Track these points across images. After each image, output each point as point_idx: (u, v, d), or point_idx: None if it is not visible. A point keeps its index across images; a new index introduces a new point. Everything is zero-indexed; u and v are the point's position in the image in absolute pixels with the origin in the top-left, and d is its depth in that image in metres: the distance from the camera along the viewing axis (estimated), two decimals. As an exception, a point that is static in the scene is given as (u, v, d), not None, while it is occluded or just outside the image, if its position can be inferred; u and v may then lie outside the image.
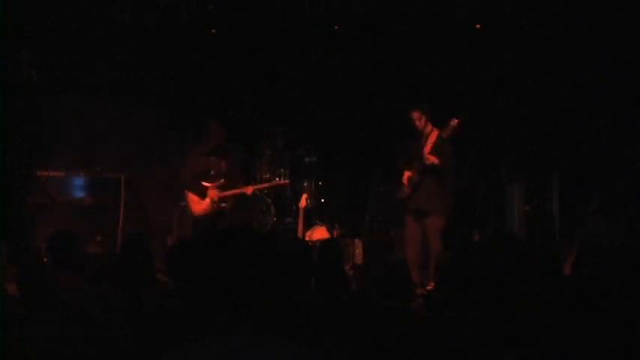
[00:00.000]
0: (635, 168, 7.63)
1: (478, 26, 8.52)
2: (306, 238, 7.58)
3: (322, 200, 8.74)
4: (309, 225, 7.89)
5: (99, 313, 3.41)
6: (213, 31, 9.10)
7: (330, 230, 7.95)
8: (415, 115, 7.01)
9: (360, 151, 9.11)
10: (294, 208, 8.31)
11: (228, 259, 2.08)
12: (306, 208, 7.84)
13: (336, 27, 8.96)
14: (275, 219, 8.32)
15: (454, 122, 6.70)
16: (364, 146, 9.07)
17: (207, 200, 7.32)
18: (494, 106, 8.64)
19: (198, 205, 7.35)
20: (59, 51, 8.68)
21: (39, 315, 3.45)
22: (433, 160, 6.81)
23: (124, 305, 3.58)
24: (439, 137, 6.89)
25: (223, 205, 7.40)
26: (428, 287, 6.15)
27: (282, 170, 8.64)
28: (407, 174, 7.04)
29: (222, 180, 7.35)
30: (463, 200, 8.58)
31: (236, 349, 1.95)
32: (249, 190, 7.44)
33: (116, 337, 3.20)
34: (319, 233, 7.72)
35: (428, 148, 6.92)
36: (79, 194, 8.49)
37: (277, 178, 8.58)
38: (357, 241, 7.99)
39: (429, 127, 7.05)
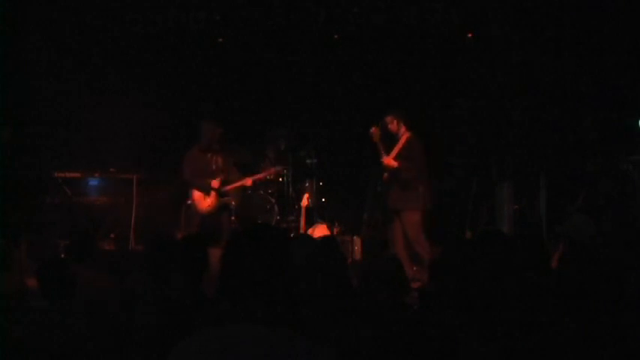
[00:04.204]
0: (620, 168, 7.65)
1: (470, 35, 8.54)
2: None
3: (323, 199, 8.77)
4: (310, 223, 7.93)
5: (117, 306, 3.44)
6: (221, 40, 9.12)
7: (330, 228, 7.97)
8: (388, 119, 7.11)
9: (360, 152, 9.13)
10: (296, 206, 8.33)
11: (255, 253, 2.08)
12: (307, 207, 7.88)
13: (335, 36, 8.98)
14: (278, 217, 8.35)
15: (375, 130, 6.95)
16: (364, 146, 9.09)
17: (212, 196, 7.35)
18: (484, 108, 8.66)
19: (204, 202, 7.37)
20: (73, 54, 8.70)
21: (59, 307, 3.48)
22: (392, 164, 6.91)
23: (150, 298, 3.59)
24: (408, 140, 7.05)
25: (227, 198, 7.43)
26: (420, 282, 6.20)
27: (284, 171, 8.66)
28: (384, 176, 7.14)
29: (222, 175, 7.39)
30: (455, 199, 8.63)
31: (248, 339, 1.96)
32: (248, 181, 7.45)
33: (135, 329, 3.23)
34: (320, 231, 7.74)
35: (394, 152, 7.00)
36: (94, 194, 8.52)
37: (280, 178, 8.62)
38: (355, 238, 8.02)
39: (402, 130, 7.12)
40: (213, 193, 7.35)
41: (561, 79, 8.20)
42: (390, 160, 6.96)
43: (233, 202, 7.80)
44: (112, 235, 8.24)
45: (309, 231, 7.72)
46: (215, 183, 7.33)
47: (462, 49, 8.68)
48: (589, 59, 8.03)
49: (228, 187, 7.40)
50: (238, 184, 7.44)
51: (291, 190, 8.61)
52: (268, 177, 8.37)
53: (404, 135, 7.08)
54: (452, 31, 8.44)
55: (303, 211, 7.83)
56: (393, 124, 7.12)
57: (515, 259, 3.25)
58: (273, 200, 8.40)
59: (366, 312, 3.23)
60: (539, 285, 3.43)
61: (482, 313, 2.92)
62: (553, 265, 4.04)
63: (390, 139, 7.27)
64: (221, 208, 7.40)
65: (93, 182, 8.54)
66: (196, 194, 7.42)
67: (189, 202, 7.63)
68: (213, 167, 7.37)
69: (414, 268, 6.85)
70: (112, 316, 3.40)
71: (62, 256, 5.46)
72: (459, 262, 3.19)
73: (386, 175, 7.13)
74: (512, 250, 3.17)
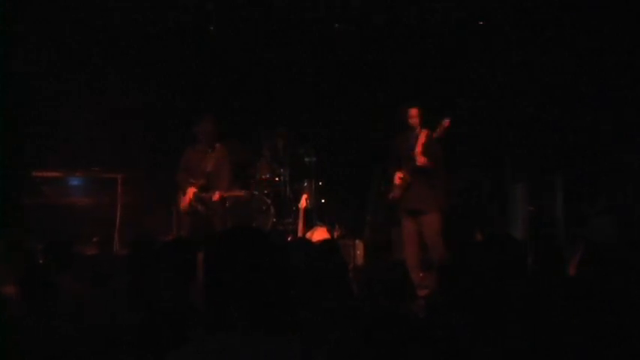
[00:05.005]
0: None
1: (481, 23, 8.58)
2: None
3: (322, 200, 8.78)
4: (309, 226, 7.93)
5: (100, 315, 3.46)
6: (212, 28, 9.15)
7: (330, 231, 7.98)
8: (414, 111, 7.04)
9: (361, 151, 9.15)
10: (293, 208, 8.35)
11: (242, 258, 2.11)
12: (306, 209, 7.88)
13: (336, 25, 9.01)
14: (275, 219, 8.36)
15: (446, 123, 6.75)
16: (364, 145, 9.12)
17: (187, 198, 7.39)
18: (497, 104, 8.69)
19: (182, 202, 7.44)
20: (55, 48, 8.72)
21: (40, 316, 3.50)
22: (424, 161, 6.88)
23: (134, 306, 3.61)
24: (429, 137, 6.96)
25: (200, 207, 7.44)
26: (428, 289, 6.20)
27: (281, 170, 8.68)
28: (398, 174, 7.08)
29: (203, 180, 7.40)
30: (466, 200, 8.64)
31: (239, 347, 1.99)
32: (215, 196, 7.39)
33: (117, 339, 3.24)
34: (319, 234, 7.74)
35: (419, 148, 6.97)
36: (76, 195, 8.52)
37: (277, 178, 8.65)
38: (357, 241, 8.02)
39: (419, 126, 7.11)
40: (188, 195, 7.38)
41: (581, 74, 8.23)
42: (423, 158, 6.91)
43: (227, 204, 7.81)
44: (95, 239, 8.24)
45: (308, 234, 7.73)
46: (190, 192, 7.38)
47: (464, 47, 8.73)
48: (609, 55, 8.06)
49: (203, 195, 7.41)
50: (209, 195, 7.41)
51: (288, 190, 8.62)
52: (257, 178, 8.44)
53: (423, 131, 7.06)
54: (462, 21, 8.47)
55: (301, 213, 7.84)
56: (416, 118, 7.04)
57: (527, 265, 3.27)
58: (269, 201, 8.42)
59: (367, 320, 3.24)
60: (554, 292, 3.45)
61: (489, 323, 2.93)
62: (571, 271, 4.06)
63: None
64: (193, 213, 7.42)
65: (74, 182, 8.54)
66: (179, 193, 7.49)
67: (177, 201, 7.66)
68: (200, 169, 7.40)
69: (421, 274, 6.85)
70: (95, 323, 3.42)
71: (40, 262, 5.45)
72: (467, 268, 3.21)
73: (405, 173, 7.08)
74: (521, 254, 3.19)
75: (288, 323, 2.12)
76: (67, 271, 4.48)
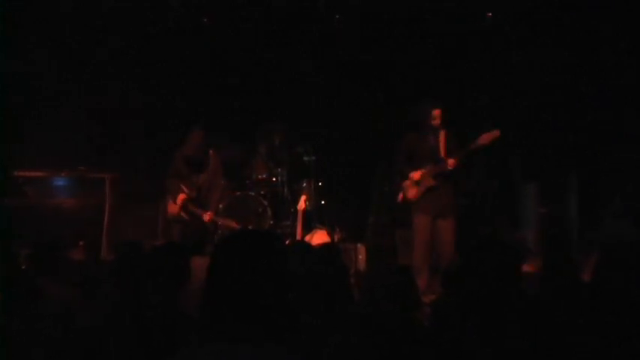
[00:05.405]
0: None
1: (489, 14, 8.59)
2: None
3: (322, 202, 8.77)
4: (308, 229, 7.92)
5: (87, 324, 3.45)
6: (205, 20, 9.14)
7: (330, 234, 7.97)
8: (437, 112, 7.03)
9: (362, 149, 9.14)
10: (292, 210, 8.34)
11: (246, 263, 2.11)
12: (304, 211, 7.87)
13: (337, 16, 9.02)
14: (272, 222, 8.34)
15: (496, 133, 6.74)
16: (366, 144, 9.11)
17: (178, 203, 7.41)
18: (505, 97, 8.69)
19: (172, 207, 7.44)
20: (40, 43, 8.73)
21: (24, 324, 3.49)
22: (456, 164, 6.88)
23: (122, 314, 3.61)
24: (449, 138, 6.98)
25: (188, 218, 7.45)
26: (435, 294, 6.19)
27: (278, 170, 8.67)
28: (415, 174, 7.05)
29: (194, 193, 7.45)
30: (472, 202, 8.62)
31: (232, 357, 1.97)
32: (206, 217, 7.44)
33: (105, 346, 3.24)
34: (319, 237, 7.74)
35: (443, 150, 6.97)
36: (61, 196, 8.51)
37: (274, 178, 8.63)
38: (359, 245, 8.02)
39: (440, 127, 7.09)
40: (179, 200, 7.39)
41: (595, 66, 8.23)
42: (455, 161, 6.86)
43: (220, 206, 7.80)
44: (81, 243, 8.22)
45: (307, 238, 7.73)
46: (179, 199, 7.38)
47: (481, 35, 8.76)
48: (629, 48, 8.07)
49: (191, 208, 7.43)
50: (198, 211, 7.45)
51: (286, 191, 8.61)
52: (253, 178, 8.49)
53: (443, 131, 7.07)
54: (469, 15, 8.51)
55: (299, 215, 7.83)
56: (439, 120, 7.01)
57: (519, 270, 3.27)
58: (265, 203, 8.40)
59: (369, 327, 3.24)
60: (567, 299, 3.44)
61: (487, 330, 2.93)
62: (585, 277, 4.04)
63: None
64: (181, 220, 7.44)
65: (59, 182, 8.53)
66: (168, 197, 7.52)
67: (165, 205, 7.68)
68: (192, 182, 7.47)
69: (427, 279, 6.84)
70: (81, 330, 3.42)
71: (23, 267, 5.44)
72: (466, 273, 3.22)
73: (427, 174, 7.02)
74: (511, 259, 3.20)
75: (287, 328, 2.12)
76: (52, 276, 4.46)
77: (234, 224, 7.68)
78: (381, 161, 8.79)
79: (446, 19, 8.70)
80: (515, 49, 8.62)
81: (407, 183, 7.10)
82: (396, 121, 8.07)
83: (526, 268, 7.15)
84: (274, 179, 8.67)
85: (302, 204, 7.86)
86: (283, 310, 2.11)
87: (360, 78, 9.24)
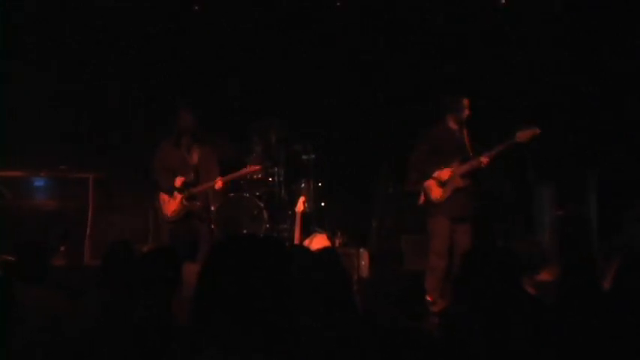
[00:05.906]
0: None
1: (503, 1, 8.61)
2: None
3: (322, 204, 8.77)
4: (306, 232, 7.90)
5: (73, 329, 3.44)
6: (196, 7, 9.15)
7: (331, 238, 7.96)
8: (467, 101, 6.94)
9: (365, 147, 9.13)
10: (289, 212, 8.33)
11: (241, 270, 2.11)
12: (303, 213, 7.85)
13: (338, 3, 9.04)
14: (268, 225, 8.34)
15: (536, 131, 6.68)
16: (369, 142, 9.10)
17: (176, 199, 7.34)
18: (519, 93, 8.69)
19: (168, 206, 7.37)
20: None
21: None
22: (488, 161, 6.81)
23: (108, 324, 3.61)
24: (469, 135, 6.94)
25: (195, 203, 7.39)
26: (442, 304, 6.17)
27: (275, 169, 8.65)
28: (444, 173, 6.93)
29: (192, 175, 7.36)
30: (485, 205, 8.60)
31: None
32: (218, 183, 7.37)
33: (93, 355, 3.23)
34: (319, 242, 7.72)
35: (469, 148, 6.90)
36: (40, 197, 8.49)
37: (270, 178, 8.62)
38: (362, 250, 8.00)
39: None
40: (177, 196, 7.32)
41: (615, 60, 8.24)
42: (488, 158, 6.80)
43: (212, 207, 7.78)
44: (63, 248, 8.22)
45: (306, 242, 7.70)
46: (177, 181, 7.31)
47: (494, 25, 8.87)
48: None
49: (195, 190, 7.36)
50: (205, 186, 7.38)
51: (283, 192, 8.62)
52: (248, 177, 8.33)
53: (464, 129, 7.02)
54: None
55: (298, 217, 7.81)
56: (468, 110, 6.94)
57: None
58: (261, 204, 8.40)
59: (372, 339, 3.23)
60: (587, 307, 3.42)
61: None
62: (607, 284, 4.02)
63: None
64: (192, 215, 7.36)
65: (38, 183, 8.51)
66: (162, 196, 7.42)
67: (157, 206, 7.61)
68: (186, 164, 7.35)
69: (441, 286, 6.80)
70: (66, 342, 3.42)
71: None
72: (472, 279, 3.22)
73: (452, 174, 6.92)
74: (509, 267, 3.20)
75: (284, 339, 2.12)
76: (34, 284, 4.45)
77: (251, 169, 7.76)
78: (384, 161, 8.78)
79: (446, 19, 8.74)
80: (531, 48, 8.62)
81: (430, 183, 6.95)
82: (412, 115, 8.08)
83: (543, 276, 7.15)
84: (270, 179, 8.66)
85: (300, 206, 7.84)
86: (280, 320, 2.11)
87: (361, 75, 9.25)
